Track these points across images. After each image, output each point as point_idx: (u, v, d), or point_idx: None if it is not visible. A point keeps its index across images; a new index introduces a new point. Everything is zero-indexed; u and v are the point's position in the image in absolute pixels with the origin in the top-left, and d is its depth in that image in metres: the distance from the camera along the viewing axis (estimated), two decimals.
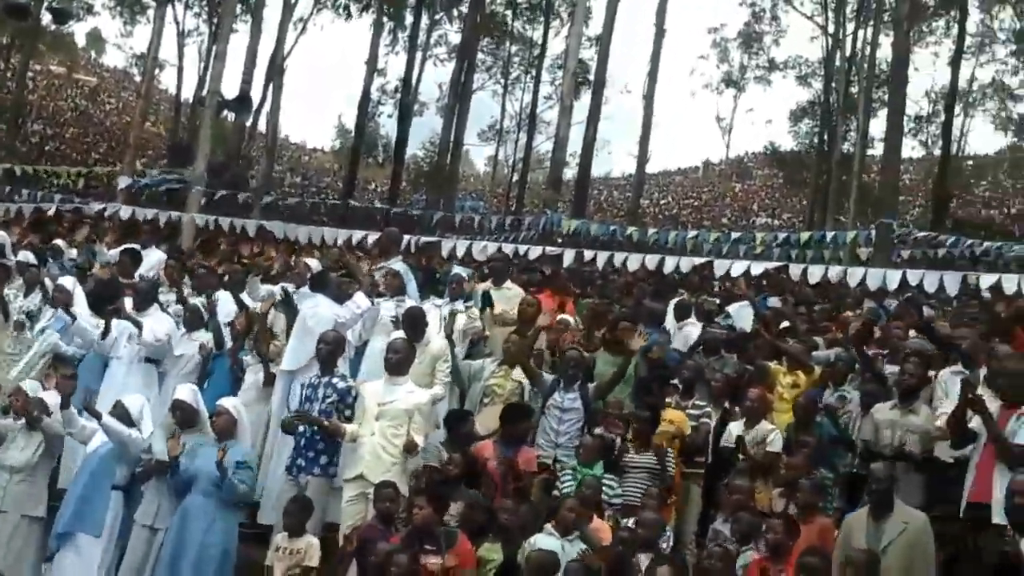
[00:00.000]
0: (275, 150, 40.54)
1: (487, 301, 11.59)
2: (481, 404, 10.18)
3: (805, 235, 25.88)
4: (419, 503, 7.94)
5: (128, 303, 10.97)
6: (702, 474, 9.76)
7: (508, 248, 17.37)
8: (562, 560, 7.62)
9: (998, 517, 7.26)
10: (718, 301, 13.29)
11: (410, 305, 10.64)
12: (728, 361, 11.05)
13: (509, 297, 11.62)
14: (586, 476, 8.82)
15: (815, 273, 18.20)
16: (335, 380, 9.24)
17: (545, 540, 7.90)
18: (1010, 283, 16.04)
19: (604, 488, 8.87)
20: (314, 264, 11.40)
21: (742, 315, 12.92)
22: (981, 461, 7.76)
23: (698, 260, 19.06)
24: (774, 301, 15.33)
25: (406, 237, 19.79)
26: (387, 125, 50.86)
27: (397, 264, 11.89)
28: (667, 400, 10.05)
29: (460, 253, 18.64)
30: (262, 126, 39.03)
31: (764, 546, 7.83)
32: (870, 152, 39.50)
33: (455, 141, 40.92)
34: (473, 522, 8.17)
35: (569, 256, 18.62)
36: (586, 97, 34.60)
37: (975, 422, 7.84)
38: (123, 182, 25.69)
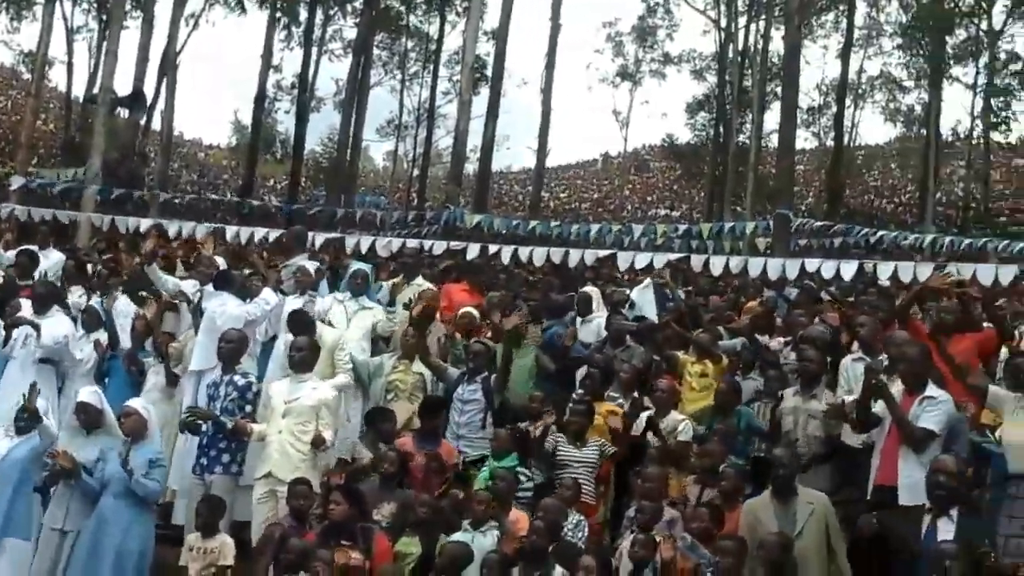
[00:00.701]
0: (170, 147, 39.88)
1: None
2: (385, 400, 10.18)
3: (705, 227, 26.26)
4: (336, 499, 7.91)
5: (27, 305, 10.73)
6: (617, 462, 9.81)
7: (412, 243, 17.30)
8: (475, 552, 7.68)
9: (904, 499, 7.43)
10: (628, 292, 13.35)
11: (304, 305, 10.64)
12: (636, 352, 11.13)
13: (422, 292, 11.61)
14: (496, 469, 8.86)
15: (717, 264, 18.42)
16: (236, 378, 9.30)
17: (459, 534, 8.00)
18: (906, 271, 16.42)
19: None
20: (220, 262, 11.31)
21: (644, 298, 12.94)
22: (886, 445, 7.93)
23: (602, 253, 19.16)
24: (680, 293, 15.51)
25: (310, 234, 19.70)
26: (284, 121, 50.43)
27: (307, 262, 11.85)
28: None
29: (364, 249, 18.52)
30: (157, 123, 38.34)
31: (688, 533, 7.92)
32: (765, 144, 40.12)
33: (354, 137, 40.71)
34: (405, 521, 8.19)
35: (474, 250, 18.59)
36: (485, 91, 34.56)
37: (879, 407, 8.01)
38: (16, 182, 25.05)
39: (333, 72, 68.04)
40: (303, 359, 9.23)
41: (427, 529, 8.16)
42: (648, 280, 13.36)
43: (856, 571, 7.27)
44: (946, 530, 6.78)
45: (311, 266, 11.70)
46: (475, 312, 11.57)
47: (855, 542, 7.50)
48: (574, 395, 9.88)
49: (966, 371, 8.52)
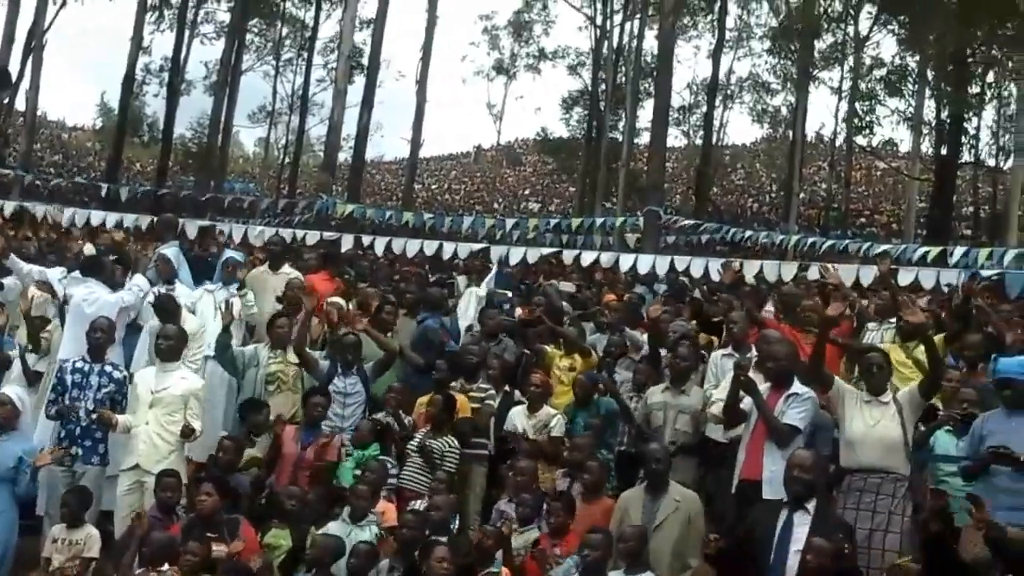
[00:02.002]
0: (35, 128, 38.74)
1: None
2: (266, 391, 10.04)
3: (576, 221, 26.45)
4: (207, 491, 7.82)
5: None
6: (485, 456, 9.86)
7: (285, 233, 17.08)
8: (348, 545, 7.70)
9: (768, 493, 7.61)
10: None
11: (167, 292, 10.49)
12: (507, 345, 11.19)
13: (288, 282, 11.47)
14: (368, 460, 8.88)
15: (587, 258, 18.60)
16: (109, 368, 9.11)
17: (335, 526, 8.04)
18: (771, 269, 16.79)
19: None
20: (88, 248, 11.03)
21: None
22: (752, 440, 8.10)
23: (476, 246, 19.20)
24: (567, 285, 15.65)
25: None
26: (153, 104, 49.28)
27: (168, 249, 11.61)
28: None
29: (237, 238, 18.25)
30: (20, 103, 37.22)
31: (547, 525, 8.03)
32: (637, 140, 40.62)
33: (225, 122, 40.08)
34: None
35: (347, 241, 18.47)
36: (360, 81, 34.35)
37: (746, 403, 8.19)
38: None
39: (204, 55, 66.96)
40: (171, 348, 9.11)
41: (297, 521, 8.12)
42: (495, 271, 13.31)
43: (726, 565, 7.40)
44: (802, 523, 6.95)
45: (172, 253, 11.47)
46: (342, 302, 11.50)
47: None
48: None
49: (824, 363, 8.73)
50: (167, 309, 9.88)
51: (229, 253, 11.92)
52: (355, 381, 9.89)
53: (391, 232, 22.13)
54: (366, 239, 19.14)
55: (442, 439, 9.27)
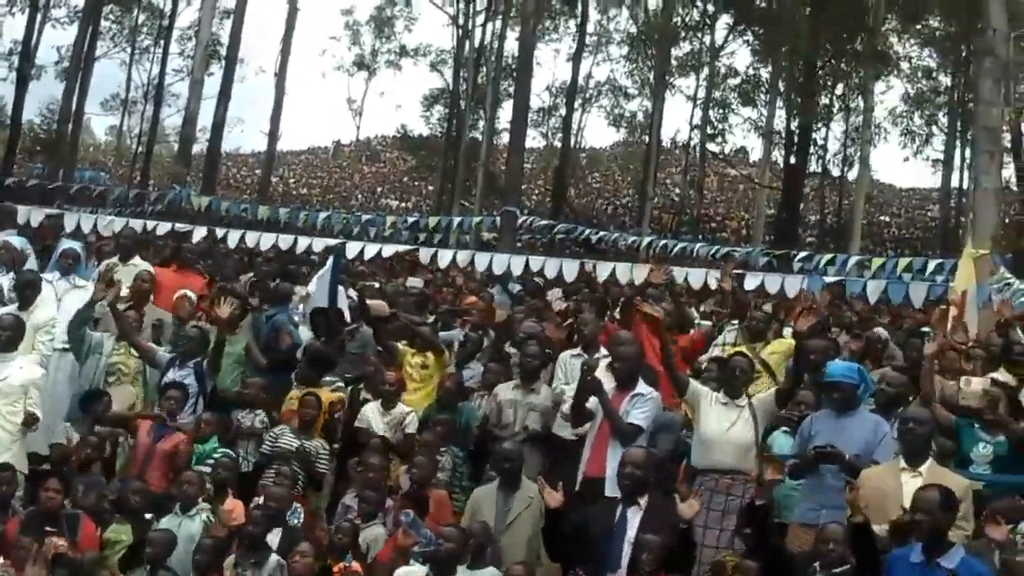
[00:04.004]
0: None
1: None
2: (106, 382, 9.90)
3: (434, 219, 26.52)
4: (53, 487, 7.70)
5: None
6: (335, 451, 9.84)
7: (136, 224, 16.79)
8: (179, 536, 7.71)
9: (610, 490, 7.78)
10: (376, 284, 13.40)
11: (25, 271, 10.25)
12: (364, 336, 11.18)
13: (136, 274, 11.28)
14: (222, 456, 8.80)
15: (444, 256, 18.68)
16: None
17: (174, 518, 7.99)
18: (623, 271, 17.11)
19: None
20: None
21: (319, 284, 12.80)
22: (597, 439, 8.28)
23: (331, 241, 19.12)
24: (415, 281, 15.66)
25: (25, 208, 18.81)
26: (1, 88, 47.67)
27: (13, 238, 11.34)
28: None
29: (86, 227, 17.85)
30: None
31: (392, 521, 8.07)
32: (496, 141, 40.84)
33: (76, 109, 39.01)
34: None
35: (200, 233, 18.23)
36: (218, 72, 33.85)
37: (592, 402, 8.36)
38: None
39: (56, 40, 64.95)
40: (8, 339, 8.93)
41: (137, 517, 8.03)
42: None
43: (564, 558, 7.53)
44: (635, 518, 7.13)
45: (18, 242, 11.19)
46: (192, 294, 11.36)
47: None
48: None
49: (676, 363, 8.95)
50: (27, 290, 9.72)
51: (67, 244, 11.66)
52: (187, 373, 9.77)
53: (245, 225, 21.87)
54: (219, 232, 18.90)
55: (317, 441, 9.25)
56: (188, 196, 24.82)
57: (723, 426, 8.00)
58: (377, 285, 14.38)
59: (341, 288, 11.65)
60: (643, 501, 7.22)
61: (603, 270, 17.01)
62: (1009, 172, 32.78)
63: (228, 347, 10.13)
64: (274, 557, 7.54)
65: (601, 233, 26.21)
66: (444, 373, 10.38)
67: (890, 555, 6.41)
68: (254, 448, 9.41)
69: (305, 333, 11.20)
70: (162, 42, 44.29)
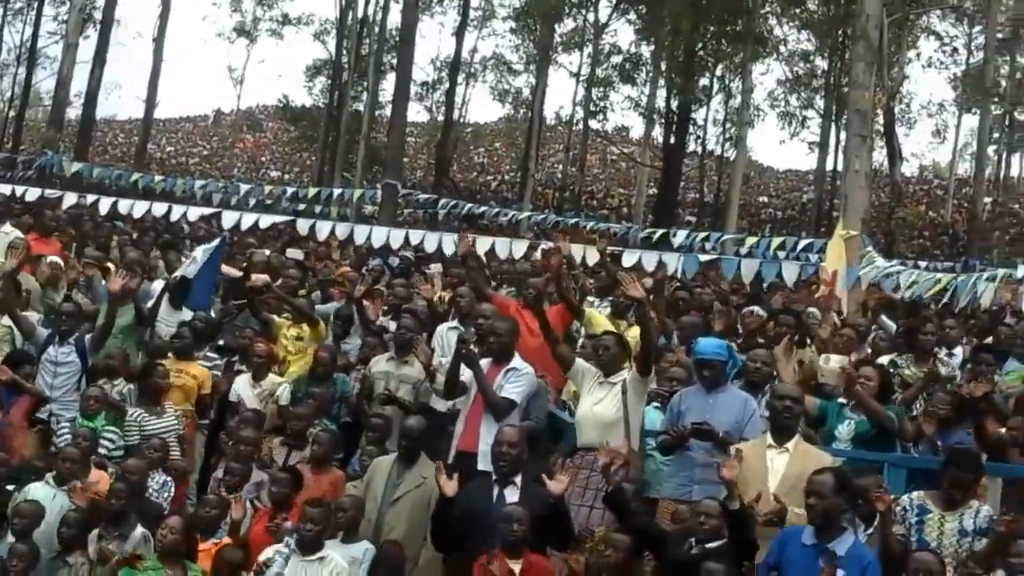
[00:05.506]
0: None
1: None
2: None
3: (314, 190, 26.28)
4: None
5: None
6: (207, 425, 9.78)
7: (4, 188, 16.29)
8: (51, 508, 7.57)
9: (483, 464, 7.80)
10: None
11: None
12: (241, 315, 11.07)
13: (5, 241, 11.00)
14: (81, 427, 8.63)
15: (323, 228, 18.51)
16: None
17: (39, 490, 7.82)
18: (503, 246, 17.16)
19: (104, 442, 8.73)
20: None
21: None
22: (470, 413, 8.31)
23: (207, 210, 18.80)
24: (294, 252, 15.50)
25: None
26: None
27: None
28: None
29: None
30: None
31: (269, 497, 7.98)
32: (379, 113, 40.51)
33: None
34: None
35: (70, 199, 17.76)
36: (94, 35, 32.98)
37: (467, 375, 8.36)
38: None
39: None
40: None
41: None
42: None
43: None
44: (512, 497, 7.15)
45: None
46: (60, 261, 11.09)
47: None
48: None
49: (557, 340, 9.01)
50: None
51: None
52: (69, 351, 9.57)
53: (119, 193, 21.38)
54: (91, 198, 18.45)
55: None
56: (60, 162, 24.17)
57: (592, 404, 8.09)
58: (267, 253, 14.20)
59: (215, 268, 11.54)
60: (518, 480, 7.25)
61: (482, 245, 17.01)
62: (881, 155, 33.80)
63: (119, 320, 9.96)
64: (139, 530, 7.43)
65: (482, 208, 26.25)
66: (319, 345, 10.30)
67: (783, 530, 6.54)
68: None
69: None
70: (35, 3, 42.98)
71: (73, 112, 36.37)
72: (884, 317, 12.02)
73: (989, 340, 10.73)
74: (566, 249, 10.88)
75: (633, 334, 9.25)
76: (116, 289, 9.77)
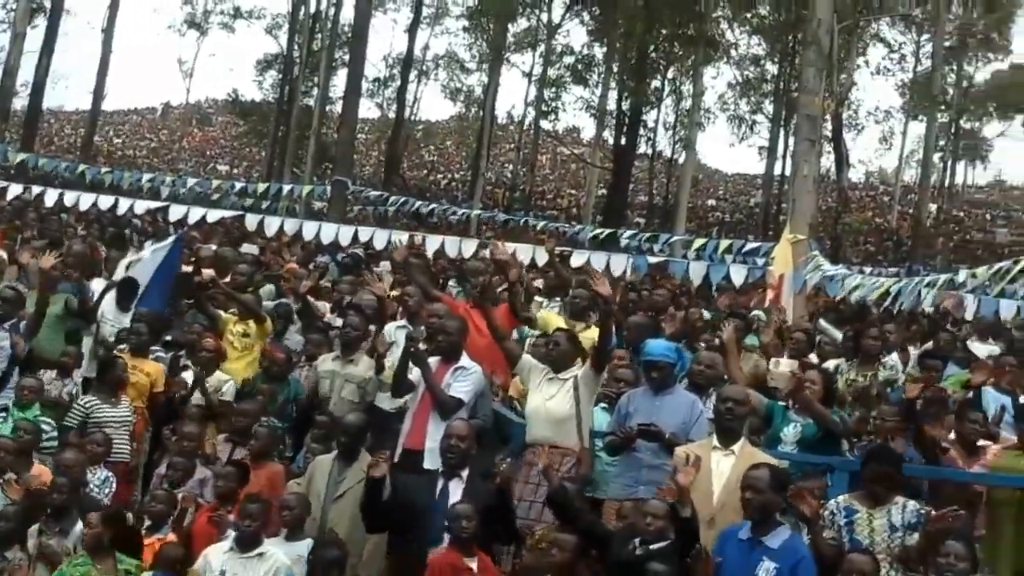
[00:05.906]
0: None
1: None
2: None
3: (263, 186, 26.13)
4: None
5: None
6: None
7: None
8: None
9: (429, 463, 7.80)
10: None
11: None
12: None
13: None
14: (19, 419, 8.52)
15: (272, 224, 18.40)
16: None
17: None
18: (452, 245, 17.15)
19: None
20: None
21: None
22: (418, 411, 8.30)
23: (154, 204, 18.63)
24: (250, 247, 15.40)
25: None
26: None
27: None
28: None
29: None
30: None
31: (213, 491, 7.92)
32: (330, 109, 40.37)
33: None
34: None
35: (15, 190, 17.54)
36: (42, 25, 32.59)
37: (415, 374, 8.35)
38: None
39: None
40: None
41: None
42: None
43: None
44: (457, 491, 7.16)
45: None
46: (3, 254, 10.96)
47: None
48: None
49: (505, 335, 9.01)
50: None
51: None
52: (4, 336, 9.43)
53: (65, 185, 21.13)
54: (36, 190, 18.22)
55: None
56: (5, 152, 23.86)
57: (543, 400, 8.09)
58: (214, 247, 14.09)
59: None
60: (464, 474, 7.27)
61: (432, 243, 17.00)
62: (828, 161, 34.12)
63: (50, 308, 9.84)
64: (79, 525, 7.33)
65: (432, 206, 26.22)
66: (266, 342, 10.24)
67: (722, 531, 6.58)
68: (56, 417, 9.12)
69: None
70: None
71: (19, 102, 35.89)
72: (829, 326, 12.13)
73: (929, 345, 10.87)
74: (503, 251, 10.81)
75: (588, 336, 9.27)
76: (46, 266, 9.69)
